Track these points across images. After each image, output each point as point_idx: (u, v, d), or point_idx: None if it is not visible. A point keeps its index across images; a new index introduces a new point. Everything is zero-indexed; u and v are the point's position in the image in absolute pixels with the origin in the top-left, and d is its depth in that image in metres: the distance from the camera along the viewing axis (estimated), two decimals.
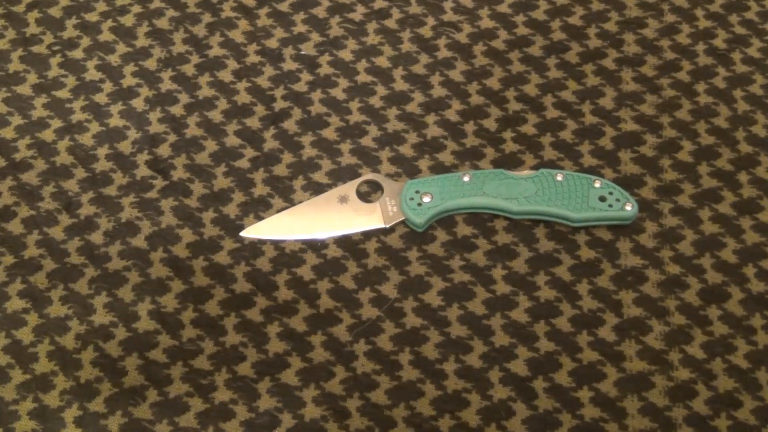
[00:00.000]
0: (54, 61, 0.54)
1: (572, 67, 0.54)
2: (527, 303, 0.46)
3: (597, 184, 0.48)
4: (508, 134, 0.51)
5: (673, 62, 0.54)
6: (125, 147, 0.50)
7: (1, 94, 0.52)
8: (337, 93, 0.53)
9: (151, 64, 0.53)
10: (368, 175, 0.49)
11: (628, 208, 0.47)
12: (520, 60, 0.54)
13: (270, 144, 0.51)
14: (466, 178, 0.48)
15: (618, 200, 0.47)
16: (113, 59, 0.54)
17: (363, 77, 0.53)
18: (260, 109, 0.52)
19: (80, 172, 0.50)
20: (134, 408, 0.43)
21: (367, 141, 0.51)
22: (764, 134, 0.51)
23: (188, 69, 0.53)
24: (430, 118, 0.52)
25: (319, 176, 0.50)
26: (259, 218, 0.48)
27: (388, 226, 0.48)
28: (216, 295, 0.46)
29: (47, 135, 0.51)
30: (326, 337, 0.45)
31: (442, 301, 0.46)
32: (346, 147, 0.51)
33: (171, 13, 0.55)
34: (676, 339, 0.45)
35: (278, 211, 0.48)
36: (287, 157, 0.50)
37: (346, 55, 0.54)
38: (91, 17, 0.55)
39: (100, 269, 0.46)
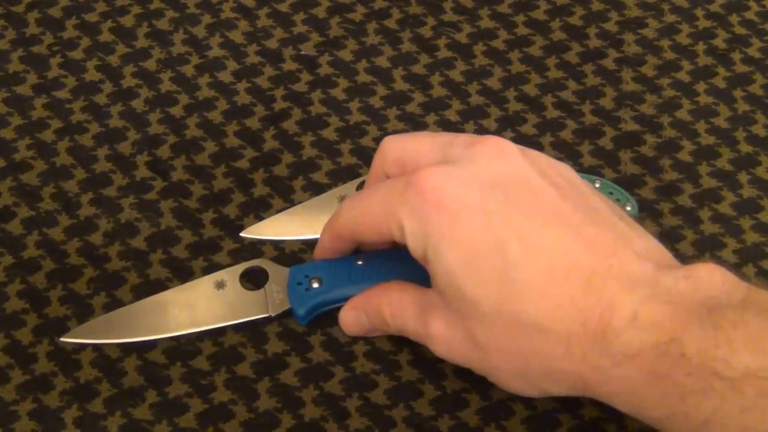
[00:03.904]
0: (54, 61, 0.54)
1: (572, 67, 0.54)
2: None
3: (597, 185, 0.47)
4: (508, 134, 0.51)
5: (673, 62, 0.54)
6: (125, 148, 0.50)
7: (1, 94, 0.52)
8: (337, 93, 0.53)
9: (150, 64, 0.53)
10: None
11: (628, 208, 0.47)
12: (520, 60, 0.54)
13: (270, 144, 0.51)
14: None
15: (618, 200, 0.47)
16: (113, 60, 0.54)
17: (363, 77, 0.53)
18: (260, 110, 0.52)
19: (80, 173, 0.50)
20: (133, 409, 0.43)
21: (367, 141, 0.51)
22: (764, 134, 0.51)
23: (188, 70, 0.53)
24: (430, 118, 0.52)
25: (319, 176, 0.50)
26: (259, 218, 0.48)
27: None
28: None
29: (47, 135, 0.51)
30: (325, 337, 0.45)
31: None
32: (346, 147, 0.51)
33: (170, 14, 0.55)
34: None
35: (278, 211, 0.48)
36: (287, 157, 0.50)
37: (346, 55, 0.54)
38: (91, 17, 0.55)
39: (100, 270, 0.46)
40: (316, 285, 0.44)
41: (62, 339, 0.44)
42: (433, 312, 0.40)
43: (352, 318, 0.44)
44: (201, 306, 0.45)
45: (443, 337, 0.40)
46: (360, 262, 0.44)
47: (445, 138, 0.42)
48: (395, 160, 0.42)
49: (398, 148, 0.42)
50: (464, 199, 0.38)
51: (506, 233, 0.37)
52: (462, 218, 0.38)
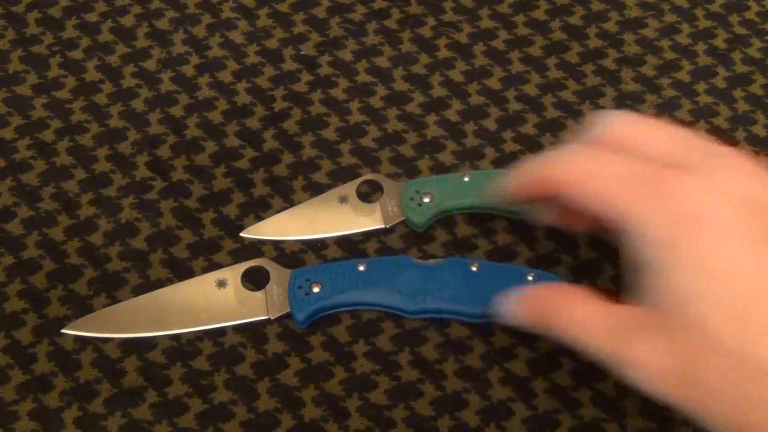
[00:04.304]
0: (54, 61, 0.54)
1: (572, 67, 0.54)
2: None
3: None
4: (508, 134, 0.51)
5: (673, 62, 0.54)
6: (125, 148, 0.50)
7: (1, 94, 0.52)
8: (337, 93, 0.53)
9: (150, 65, 0.53)
10: (368, 175, 0.49)
11: None
12: (520, 60, 0.54)
13: (270, 144, 0.51)
14: (466, 178, 0.48)
15: None
16: (113, 60, 0.54)
17: (363, 77, 0.53)
18: (260, 110, 0.52)
19: (80, 173, 0.50)
20: (133, 409, 0.43)
21: (367, 141, 0.51)
22: (764, 134, 0.51)
23: (188, 70, 0.53)
24: (430, 118, 0.52)
25: (319, 176, 0.50)
26: (259, 218, 0.48)
27: (388, 226, 0.48)
28: None
29: (47, 135, 0.51)
30: (325, 337, 0.45)
31: None
32: (346, 147, 0.51)
33: (170, 14, 0.55)
34: None
35: (278, 211, 0.48)
36: (287, 157, 0.50)
37: (346, 55, 0.54)
38: (91, 17, 0.55)
39: (100, 270, 0.46)
40: (316, 290, 0.44)
41: (63, 330, 0.44)
42: (639, 333, 0.35)
43: (519, 312, 0.40)
44: (201, 304, 0.45)
45: (650, 364, 0.35)
46: (362, 268, 0.44)
47: (680, 135, 0.38)
48: (618, 138, 0.38)
49: (625, 128, 0.39)
50: (719, 218, 0.34)
51: (764, 266, 0.34)
52: (714, 238, 0.34)
